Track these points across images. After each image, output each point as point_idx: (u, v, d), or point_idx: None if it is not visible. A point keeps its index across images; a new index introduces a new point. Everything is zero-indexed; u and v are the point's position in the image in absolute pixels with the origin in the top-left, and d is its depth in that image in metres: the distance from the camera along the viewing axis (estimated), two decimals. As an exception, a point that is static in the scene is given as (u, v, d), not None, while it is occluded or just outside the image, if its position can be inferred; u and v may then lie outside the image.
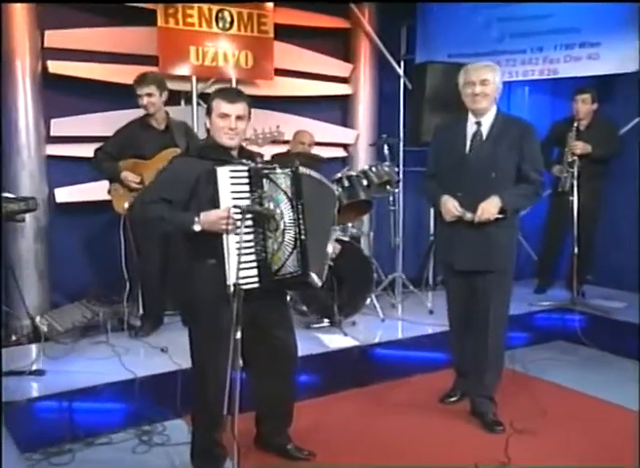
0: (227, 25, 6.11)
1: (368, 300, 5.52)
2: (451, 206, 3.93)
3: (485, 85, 3.89)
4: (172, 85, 5.85)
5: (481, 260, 3.98)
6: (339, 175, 5.30)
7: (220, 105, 3.21)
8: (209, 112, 3.27)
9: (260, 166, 3.20)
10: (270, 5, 6.26)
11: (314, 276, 3.20)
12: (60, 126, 5.67)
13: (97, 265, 5.83)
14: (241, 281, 2.99)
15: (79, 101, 5.73)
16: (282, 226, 3.14)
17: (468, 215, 3.90)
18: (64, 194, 5.70)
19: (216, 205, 3.06)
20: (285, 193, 3.16)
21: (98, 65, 5.77)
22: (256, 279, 3.11)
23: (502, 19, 6.61)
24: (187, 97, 6.19)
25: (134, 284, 5.26)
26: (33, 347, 4.92)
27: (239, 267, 2.96)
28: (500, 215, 3.89)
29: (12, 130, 5.42)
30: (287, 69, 6.55)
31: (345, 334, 5.13)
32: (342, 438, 4.03)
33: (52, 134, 5.64)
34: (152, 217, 3.21)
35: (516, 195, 3.94)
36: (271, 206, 3.13)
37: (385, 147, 5.80)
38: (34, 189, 5.46)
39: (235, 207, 3.01)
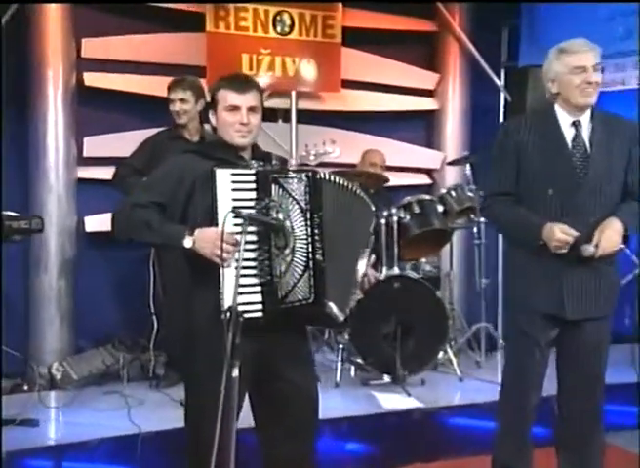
0: (287, 29, 5.41)
1: (442, 354, 4.69)
2: (559, 231, 2.94)
3: (598, 71, 3.01)
4: None
5: (593, 304, 3.07)
6: (407, 198, 4.47)
7: (228, 96, 2.70)
8: (213, 106, 2.75)
9: (269, 168, 2.71)
10: (339, 5, 5.48)
11: (332, 306, 2.60)
12: (94, 145, 5.06)
13: (127, 305, 5.14)
14: (241, 308, 2.43)
15: (116, 118, 5.15)
16: (291, 242, 2.59)
17: (590, 249, 2.93)
18: (95, 223, 5.03)
19: (212, 214, 2.56)
20: (297, 202, 2.61)
21: (137, 77, 5.17)
22: (259, 306, 2.57)
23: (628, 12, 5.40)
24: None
25: (161, 326, 4.62)
26: (35, 395, 4.31)
27: (238, 291, 2.42)
28: (623, 245, 3.02)
29: (39, 148, 4.88)
30: (358, 80, 5.75)
31: (409, 394, 4.32)
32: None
33: (84, 154, 5.06)
34: (137, 223, 2.68)
35: (632, 215, 3.06)
36: (280, 217, 2.59)
37: (468, 167, 4.84)
38: (61, 216, 4.88)
39: (234, 211, 2.47)
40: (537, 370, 3.16)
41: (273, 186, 2.60)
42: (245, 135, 2.70)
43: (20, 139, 4.89)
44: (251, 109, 2.70)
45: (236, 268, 2.45)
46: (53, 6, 4.85)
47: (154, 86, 5.06)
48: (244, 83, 2.76)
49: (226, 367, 2.34)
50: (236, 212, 2.47)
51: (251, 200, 2.58)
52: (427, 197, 4.63)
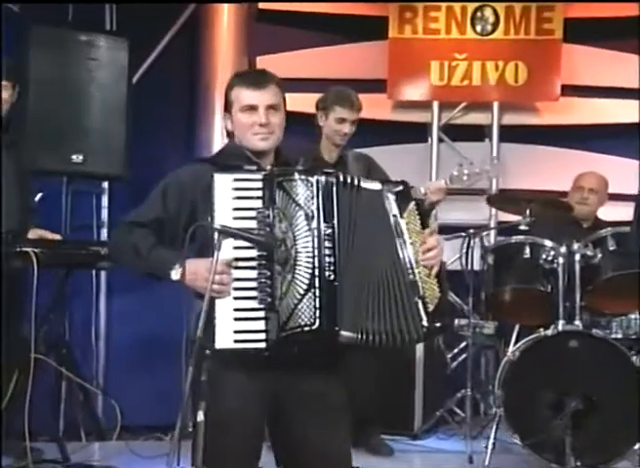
0: (489, 28, 4.57)
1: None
2: None
3: None
4: (404, 115, 4.64)
5: None
6: (601, 232, 3.59)
7: (242, 95, 2.41)
8: (227, 108, 2.45)
9: (277, 172, 2.34)
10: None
11: (347, 334, 2.20)
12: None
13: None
14: (239, 337, 2.19)
15: (295, 141, 4.64)
16: (292, 257, 2.24)
17: None
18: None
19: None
20: (302, 209, 2.25)
21: (310, 96, 4.55)
22: (262, 335, 2.23)
23: None
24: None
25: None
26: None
27: (235, 317, 2.21)
28: None
29: None
30: (583, 85, 4.62)
31: None
32: None
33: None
34: (124, 247, 2.43)
35: None
36: (282, 227, 2.25)
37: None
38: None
39: (215, 229, 2.18)
40: None
41: (277, 192, 2.27)
42: (266, 137, 2.39)
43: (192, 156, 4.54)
44: (271, 107, 2.38)
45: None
46: (225, 22, 4.54)
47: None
48: (260, 77, 2.45)
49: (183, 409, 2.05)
50: (216, 229, 2.16)
51: (255, 210, 2.27)
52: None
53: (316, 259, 2.23)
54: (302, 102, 4.29)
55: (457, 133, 4.71)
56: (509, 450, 3.71)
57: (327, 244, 2.25)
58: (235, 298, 2.24)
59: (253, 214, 2.26)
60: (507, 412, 3.66)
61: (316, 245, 2.23)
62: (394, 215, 2.34)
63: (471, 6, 4.55)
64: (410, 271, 2.28)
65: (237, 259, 2.21)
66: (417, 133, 4.78)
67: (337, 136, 3.81)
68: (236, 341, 2.19)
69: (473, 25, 4.57)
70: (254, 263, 2.25)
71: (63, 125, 3.83)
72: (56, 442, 3.44)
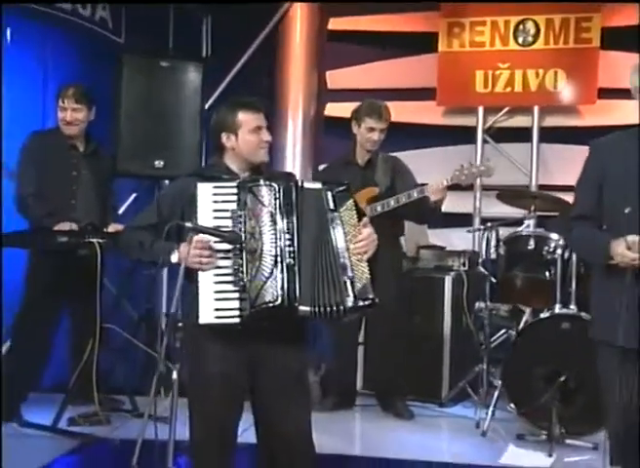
0: (530, 39, 4.94)
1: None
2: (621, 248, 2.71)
3: None
4: (452, 120, 5.11)
5: None
6: None
7: (250, 119, 2.87)
8: (232, 129, 2.87)
9: (249, 179, 2.77)
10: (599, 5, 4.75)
11: (305, 309, 2.62)
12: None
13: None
14: (218, 314, 2.62)
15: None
16: (260, 247, 2.67)
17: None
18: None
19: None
20: (267, 209, 2.71)
21: None
22: (236, 312, 2.65)
23: None
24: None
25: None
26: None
27: (216, 298, 2.62)
28: None
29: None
30: (619, 88, 4.80)
31: (550, 455, 3.62)
32: None
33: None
34: (132, 244, 2.92)
35: None
36: (252, 223, 2.69)
37: None
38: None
39: (185, 227, 2.65)
40: None
41: (248, 195, 2.69)
42: (267, 151, 2.88)
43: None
44: (267, 128, 2.90)
45: (215, 275, 2.62)
46: (297, 41, 5.18)
47: (399, 112, 4.81)
48: (258, 103, 2.90)
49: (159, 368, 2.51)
50: (189, 228, 2.61)
51: (229, 211, 2.69)
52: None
53: (278, 249, 2.65)
54: None
55: (500, 135, 5.08)
56: (511, 419, 4.09)
57: (287, 236, 2.67)
58: (215, 283, 2.66)
59: (228, 214, 2.69)
60: (506, 385, 4.07)
61: (278, 236, 2.66)
62: (331, 210, 2.75)
63: (514, 19, 4.90)
64: (341, 255, 2.70)
65: (217, 251, 2.65)
66: (464, 136, 5.17)
67: (367, 143, 4.26)
68: (216, 317, 2.63)
69: (515, 37, 4.93)
70: (230, 254, 2.68)
71: (148, 137, 4.53)
72: (127, 395, 4.11)
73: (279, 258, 2.66)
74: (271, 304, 2.61)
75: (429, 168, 4.88)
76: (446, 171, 4.19)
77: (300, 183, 2.76)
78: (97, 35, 4.82)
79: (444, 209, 4.69)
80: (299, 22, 5.20)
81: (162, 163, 4.54)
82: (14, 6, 4.33)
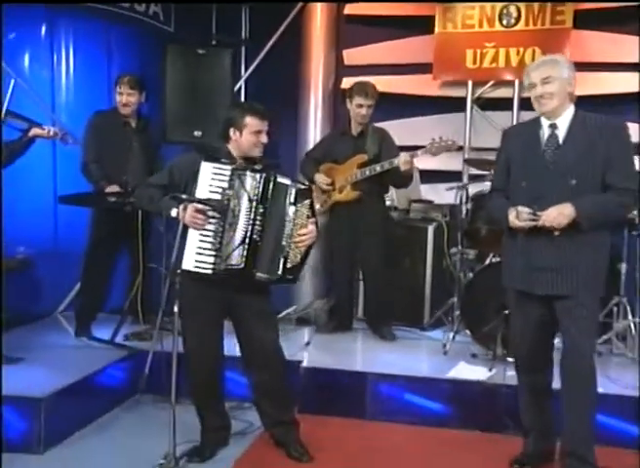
0: (513, 21, 5.63)
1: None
2: (512, 216, 3.40)
3: (548, 83, 3.38)
4: (446, 91, 5.92)
5: (557, 283, 3.42)
6: None
7: (254, 123, 3.54)
8: (238, 127, 3.55)
9: (241, 167, 3.47)
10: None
11: (260, 274, 3.44)
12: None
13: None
14: (196, 264, 3.40)
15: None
16: (235, 221, 3.39)
17: (525, 212, 3.35)
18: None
19: (193, 195, 3.44)
20: (247, 194, 3.40)
21: (381, 78, 5.89)
22: (210, 265, 3.41)
23: None
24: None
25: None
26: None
27: (197, 252, 3.39)
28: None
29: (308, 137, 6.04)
30: (589, 62, 5.51)
31: (490, 370, 4.42)
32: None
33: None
34: (144, 197, 3.66)
35: (594, 204, 3.35)
36: (235, 202, 3.39)
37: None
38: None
39: (176, 197, 3.39)
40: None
41: (237, 181, 3.40)
42: (261, 149, 3.60)
43: (292, 128, 6.09)
44: (267, 132, 3.60)
45: (200, 235, 3.38)
46: (318, 24, 5.98)
47: (392, 85, 5.91)
48: (264, 112, 3.58)
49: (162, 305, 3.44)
50: (184, 199, 3.35)
51: (221, 188, 3.39)
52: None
53: (250, 227, 3.38)
54: (378, 82, 5.46)
55: (486, 104, 5.83)
56: (468, 342, 4.81)
57: (258, 218, 3.39)
58: (199, 241, 3.38)
59: (220, 190, 3.38)
60: (463, 315, 4.87)
61: (252, 217, 3.38)
62: (291, 203, 3.48)
63: (499, 5, 5.59)
64: (284, 240, 3.47)
65: (205, 215, 3.32)
66: (456, 105, 5.89)
67: (358, 117, 5.02)
68: (195, 266, 3.37)
69: (500, 20, 5.60)
70: (214, 221, 3.37)
71: (189, 112, 5.54)
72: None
73: (248, 234, 3.38)
74: (236, 267, 3.39)
75: (427, 132, 5.29)
76: (440, 134, 4.83)
77: (275, 177, 3.43)
78: (150, 27, 5.79)
79: (438, 167, 5.63)
80: (319, 8, 5.98)
81: (200, 133, 5.55)
82: (78, 6, 5.28)
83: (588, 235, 3.35)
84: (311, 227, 3.58)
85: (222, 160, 3.47)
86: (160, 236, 3.63)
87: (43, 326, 5.46)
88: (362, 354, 5.06)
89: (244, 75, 6.26)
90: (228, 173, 3.40)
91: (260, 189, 3.40)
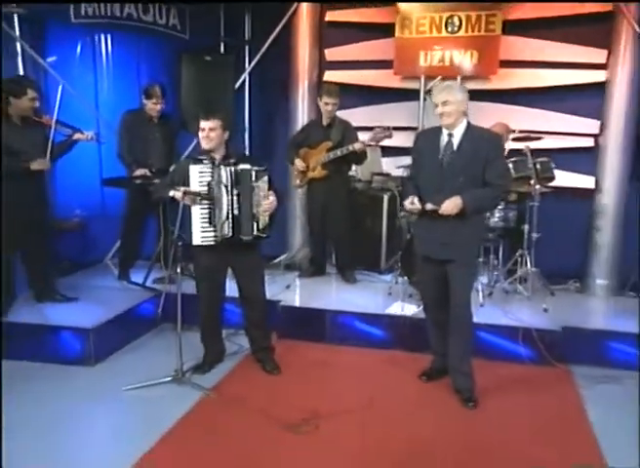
0: (456, 29, 6.87)
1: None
2: (408, 202, 4.43)
3: (446, 105, 4.32)
4: (403, 84, 7.25)
5: (447, 251, 4.46)
6: None
7: (200, 122, 4.65)
8: (200, 128, 4.65)
9: (217, 163, 4.58)
10: (500, 5, 6.71)
11: (243, 237, 4.62)
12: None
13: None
14: (202, 239, 4.62)
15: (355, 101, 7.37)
16: (219, 204, 4.52)
17: (428, 206, 4.37)
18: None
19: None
20: (223, 183, 4.55)
21: (354, 72, 7.38)
22: (213, 237, 4.62)
23: None
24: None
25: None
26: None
27: (201, 229, 4.62)
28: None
29: (293, 127, 7.36)
30: (516, 60, 6.83)
31: (418, 307, 5.66)
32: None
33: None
34: (157, 190, 4.94)
35: (476, 196, 4.32)
36: (217, 190, 4.51)
37: None
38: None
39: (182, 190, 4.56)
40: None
41: (216, 174, 4.53)
42: (207, 142, 4.61)
43: (286, 113, 7.46)
44: (211, 129, 4.59)
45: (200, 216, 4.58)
46: (305, 28, 7.30)
47: (363, 77, 7.31)
48: (208, 114, 4.65)
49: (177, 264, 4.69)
50: (182, 190, 4.54)
51: (206, 182, 4.55)
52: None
53: (229, 206, 4.53)
54: (351, 76, 7.01)
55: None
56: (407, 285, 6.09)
57: (235, 198, 4.52)
58: (200, 222, 4.51)
59: (206, 183, 4.52)
60: (402, 263, 6.13)
61: (230, 199, 4.52)
62: (253, 182, 4.58)
63: (445, 15, 6.82)
64: (254, 208, 4.56)
65: (201, 199, 4.48)
66: (412, 95, 7.15)
67: (325, 112, 6.31)
68: (202, 240, 4.57)
69: (446, 28, 6.83)
70: (207, 205, 4.52)
71: (200, 106, 6.68)
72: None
73: (230, 211, 4.54)
74: (227, 235, 4.58)
75: (390, 116, 7.08)
76: (398, 120, 6.41)
77: (239, 167, 4.51)
78: (170, 36, 7.12)
79: (399, 143, 6.86)
80: (305, 16, 7.27)
81: (210, 124, 7.04)
82: (113, 22, 6.59)
83: (470, 218, 4.34)
84: (272, 198, 4.60)
85: (204, 161, 4.59)
86: (174, 207, 4.77)
87: (94, 272, 6.98)
88: (328, 295, 6.37)
89: (247, 69, 7.68)
90: (210, 169, 4.53)
91: (231, 177, 4.49)
